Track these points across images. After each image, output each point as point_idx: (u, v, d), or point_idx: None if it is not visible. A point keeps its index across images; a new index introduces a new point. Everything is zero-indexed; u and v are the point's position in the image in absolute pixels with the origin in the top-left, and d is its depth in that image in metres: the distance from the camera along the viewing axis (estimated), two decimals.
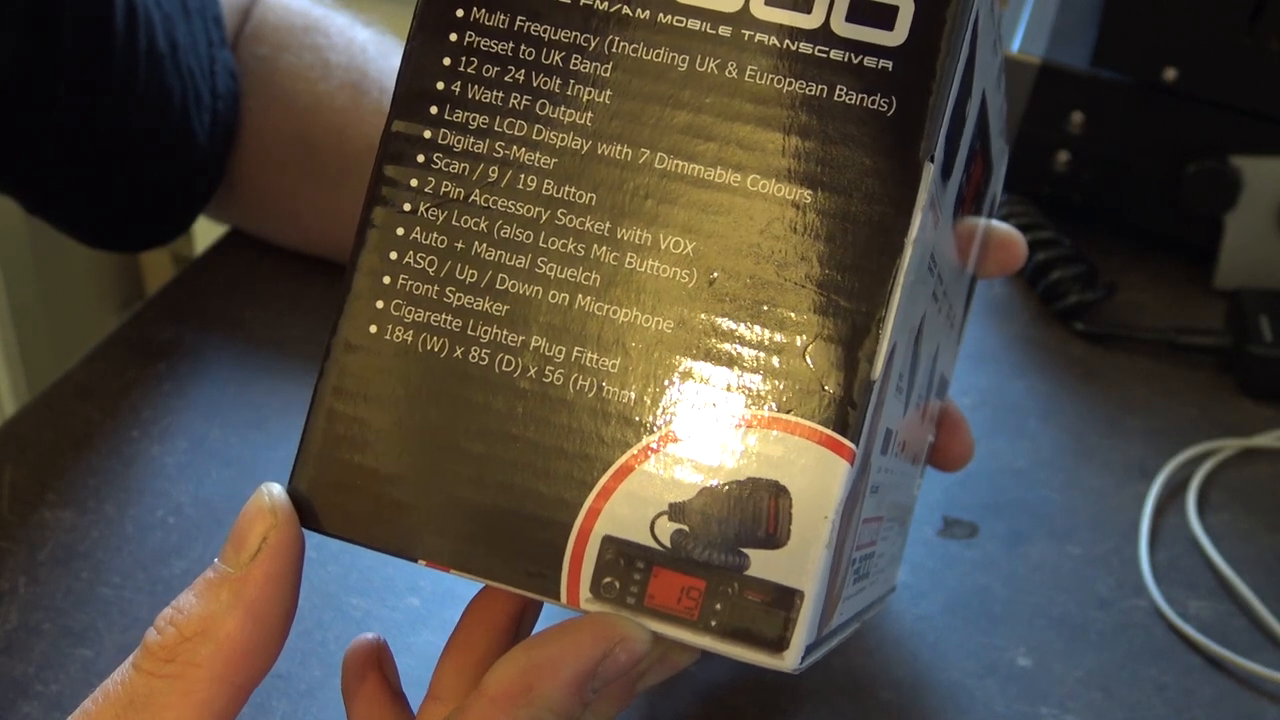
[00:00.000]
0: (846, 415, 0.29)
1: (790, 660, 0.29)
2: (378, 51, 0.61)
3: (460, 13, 0.31)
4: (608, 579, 0.29)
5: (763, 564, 0.29)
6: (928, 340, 0.36)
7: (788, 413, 0.29)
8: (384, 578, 0.49)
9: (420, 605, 0.48)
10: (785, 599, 0.29)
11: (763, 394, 0.29)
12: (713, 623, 0.29)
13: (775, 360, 0.29)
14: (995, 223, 0.46)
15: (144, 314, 0.61)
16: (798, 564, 0.29)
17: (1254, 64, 0.62)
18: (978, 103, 0.34)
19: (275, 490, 0.31)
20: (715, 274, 0.30)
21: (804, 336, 0.29)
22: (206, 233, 0.69)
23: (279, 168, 0.60)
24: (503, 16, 0.31)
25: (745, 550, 0.29)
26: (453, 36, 0.31)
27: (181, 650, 0.29)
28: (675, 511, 0.29)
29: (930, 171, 0.29)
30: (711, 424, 0.29)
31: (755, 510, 0.29)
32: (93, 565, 0.49)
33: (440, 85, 0.31)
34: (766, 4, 0.30)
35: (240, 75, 0.60)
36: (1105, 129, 0.67)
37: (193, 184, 0.59)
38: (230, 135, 0.59)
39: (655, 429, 0.30)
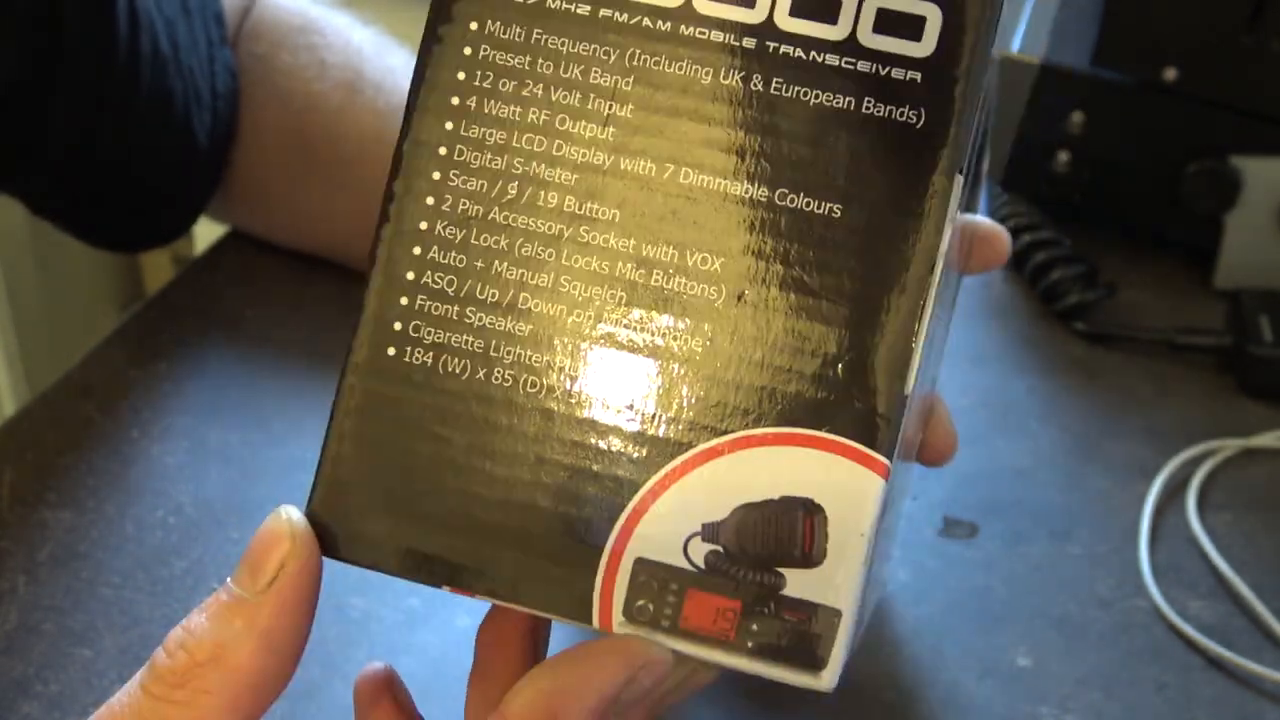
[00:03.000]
0: (879, 430, 0.28)
1: (829, 680, 0.29)
2: (373, 51, 0.61)
3: (474, 25, 0.30)
4: (641, 602, 0.29)
5: (799, 583, 0.28)
6: (930, 343, 0.36)
7: (820, 429, 0.29)
8: (384, 578, 0.48)
9: (420, 605, 0.48)
10: (823, 618, 0.28)
11: (795, 410, 0.29)
12: (749, 644, 0.29)
13: (807, 376, 0.29)
14: (979, 218, 0.46)
15: (144, 314, 0.61)
16: (835, 582, 0.28)
17: (1254, 64, 0.62)
18: (987, 106, 0.34)
19: (294, 514, 0.30)
20: (744, 290, 0.29)
21: (836, 352, 0.29)
22: (206, 233, 0.69)
23: (275, 166, 0.60)
24: (519, 29, 0.30)
25: (781, 569, 0.28)
26: (467, 50, 0.30)
27: (192, 676, 0.29)
28: (709, 532, 0.29)
29: (959, 184, 0.29)
30: (743, 442, 0.29)
31: (790, 529, 0.28)
32: (93, 565, 0.49)
33: (455, 100, 0.30)
34: (791, 15, 0.29)
35: (239, 74, 0.60)
36: (1105, 129, 0.67)
37: (194, 184, 0.59)
38: (229, 134, 0.59)
39: (686, 449, 0.29)
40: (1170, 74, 0.64)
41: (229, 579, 0.30)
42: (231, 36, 0.60)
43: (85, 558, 0.49)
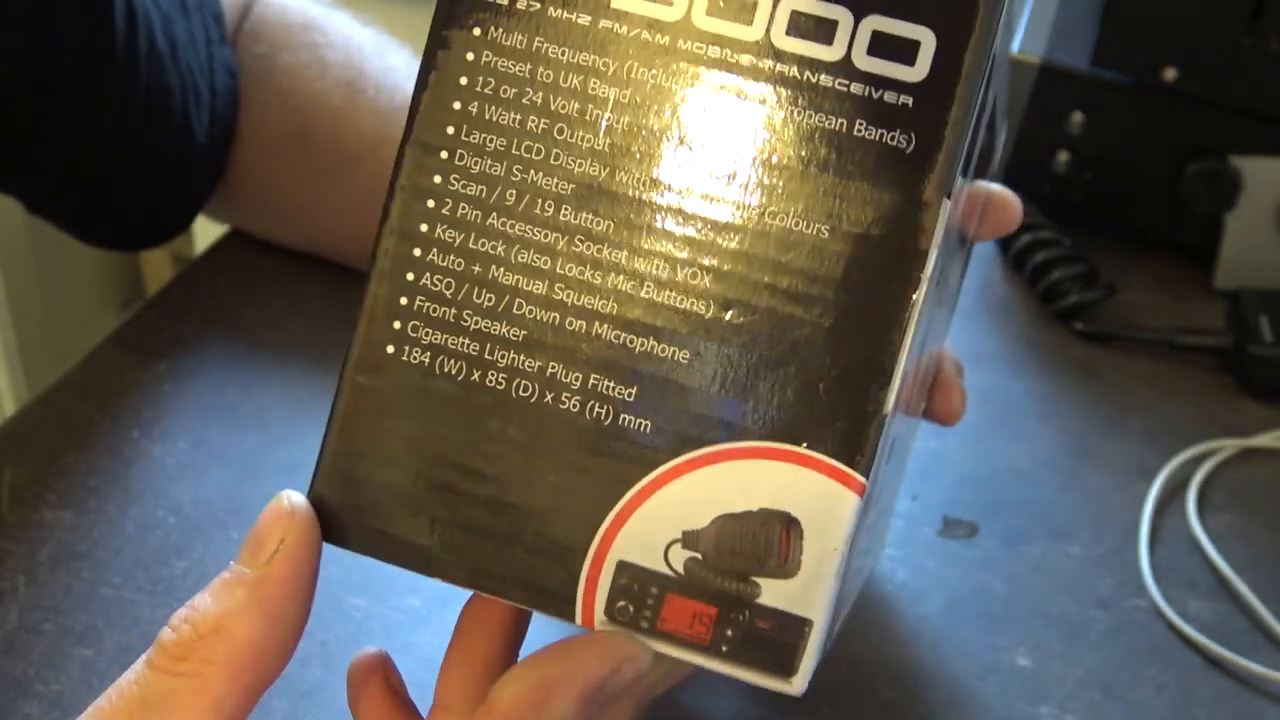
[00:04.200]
0: (857, 449, 0.29)
1: (799, 685, 0.30)
2: (374, 50, 0.61)
3: (477, 31, 0.30)
4: (622, 603, 0.30)
5: (774, 593, 0.29)
6: (921, 333, 0.36)
7: (800, 445, 0.29)
8: (384, 578, 0.49)
9: (420, 605, 0.48)
10: (795, 627, 0.29)
11: (777, 426, 0.29)
12: (724, 648, 0.30)
13: (789, 393, 0.29)
14: (990, 184, 0.46)
15: (144, 314, 0.61)
16: (808, 594, 0.29)
17: (1254, 64, 0.62)
18: (989, 111, 0.34)
19: (295, 496, 0.31)
20: (731, 306, 0.30)
21: (819, 370, 0.29)
22: (206, 233, 0.69)
23: (276, 165, 0.60)
24: (521, 37, 0.30)
25: (756, 579, 0.29)
26: (469, 56, 0.31)
27: (196, 648, 0.29)
28: (689, 539, 0.30)
29: (946, 208, 0.29)
30: (725, 455, 0.30)
31: (767, 541, 0.29)
32: (93, 565, 0.49)
33: (457, 105, 0.31)
34: (788, 34, 0.29)
35: (238, 73, 0.60)
36: (1105, 129, 0.67)
37: (192, 182, 0.59)
38: (229, 133, 0.59)
39: (670, 458, 0.30)
40: (1170, 74, 0.64)
41: (234, 560, 0.31)
42: (231, 36, 0.60)
43: (85, 558, 0.49)
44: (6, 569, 0.48)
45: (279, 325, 0.60)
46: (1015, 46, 0.68)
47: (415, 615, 0.48)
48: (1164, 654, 0.49)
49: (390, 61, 0.61)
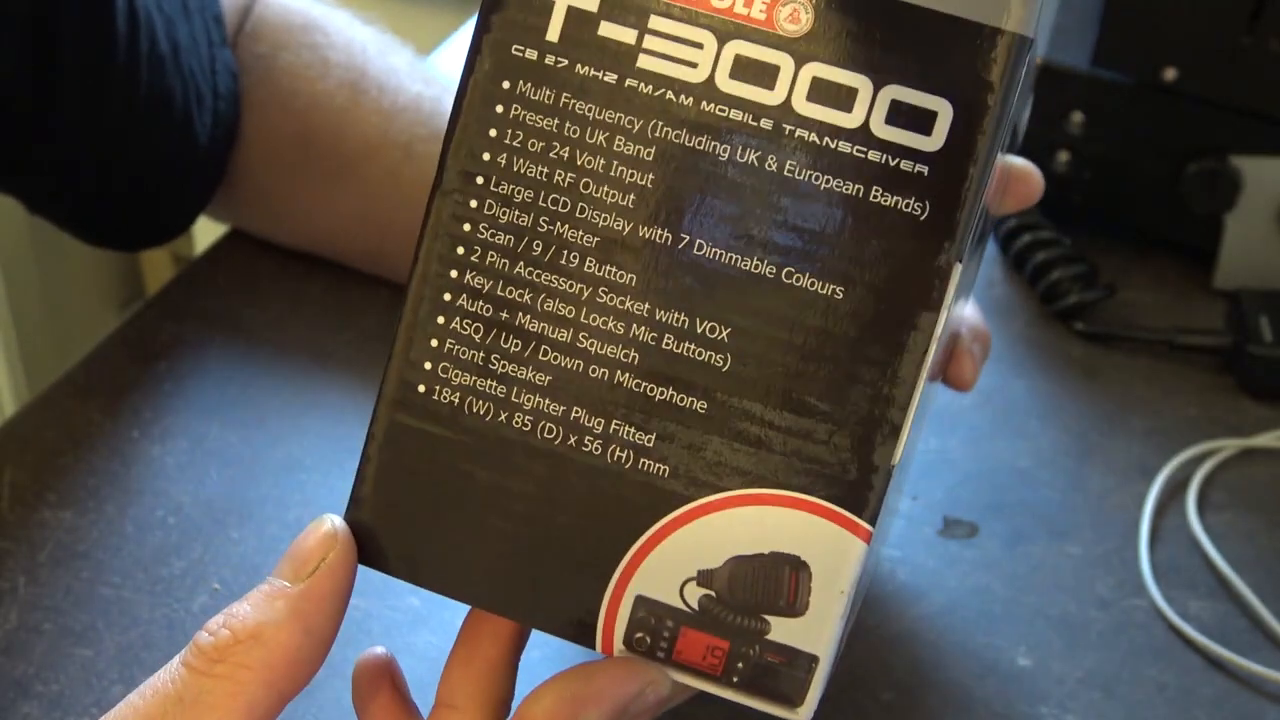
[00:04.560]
0: (864, 499, 0.31)
1: (805, 715, 0.31)
2: (377, 50, 0.61)
3: (507, 85, 0.31)
4: (639, 634, 0.32)
5: (782, 630, 0.31)
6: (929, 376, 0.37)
7: (810, 494, 0.31)
8: (385, 578, 0.48)
9: (421, 606, 0.48)
10: (802, 662, 0.31)
11: (788, 476, 0.31)
12: (735, 679, 0.31)
13: (800, 445, 0.31)
14: (1013, 158, 0.46)
15: (144, 314, 0.61)
16: (814, 632, 0.31)
17: (1254, 64, 0.62)
18: (1006, 138, 0.34)
19: (337, 519, 0.33)
20: (748, 360, 0.31)
21: (828, 425, 0.31)
22: (206, 233, 0.68)
23: (278, 166, 0.60)
24: (549, 92, 0.31)
25: (766, 616, 0.31)
26: (499, 109, 0.32)
27: (233, 652, 0.30)
28: (703, 578, 0.31)
29: (958, 271, 0.30)
30: (739, 500, 0.31)
31: (776, 581, 0.31)
32: (93, 565, 0.49)
33: (486, 156, 0.32)
34: (809, 100, 0.30)
35: (240, 74, 0.60)
36: (1105, 129, 0.67)
37: (194, 183, 0.59)
38: (231, 134, 0.59)
39: (687, 501, 0.31)
40: (1170, 74, 0.64)
41: (271, 574, 0.32)
42: (231, 37, 0.60)
43: (85, 558, 0.49)
44: (6, 569, 0.48)
45: (279, 325, 0.60)
46: None
47: (415, 615, 0.48)
48: (1164, 654, 0.49)
49: (393, 62, 0.61)
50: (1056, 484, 0.56)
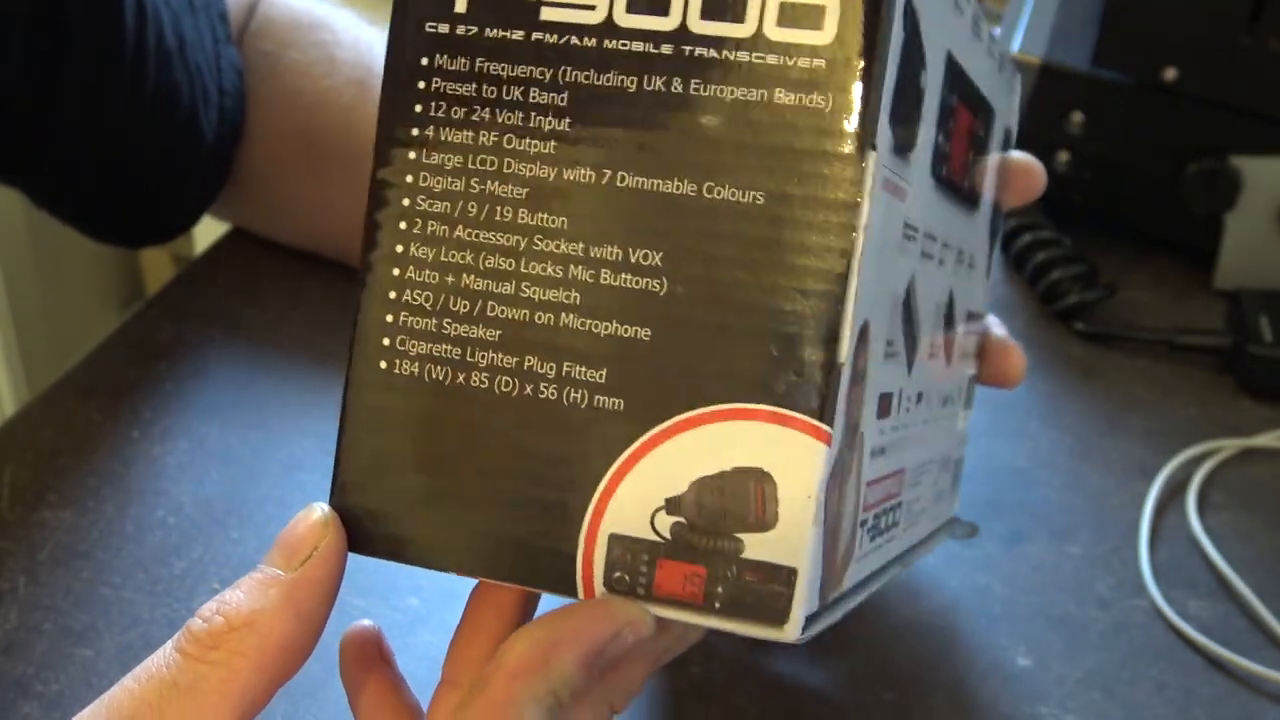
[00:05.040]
0: (818, 400, 0.31)
1: (791, 631, 0.31)
2: (383, 48, 0.61)
3: (425, 61, 0.33)
4: (618, 573, 0.31)
5: (756, 546, 0.31)
6: (927, 294, 0.37)
7: (763, 403, 0.31)
8: (384, 578, 0.49)
9: (420, 605, 0.48)
10: (781, 576, 0.31)
11: (739, 389, 0.31)
12: (717, 604, 0.31)
13: (748, 355, 0.31)
14: (1013, 153, 0.46)
15: (144, 314, 0.61)
16: (788, 543, 0.31)
17: (1254, 64, 0.62)
18: (940, 66, 0.35)
19: (325, 507, 0.33)
20: (683, 281, 0.31)
21: (773, 329, 0.31)
22: (206, 233, 0.69)
23: (283, 163, 0.60)
24: (464, 60, 0.32)
25: (739, 535, 0.31)
26: (420, 84, 0.33)
27: (227, 639, 0.31)
28: (671, 505, 0.31)
29: (874, 159, 0.30)
30: (696, 420, 0.31)
31: (743, 497, 0.31)
32: (93, 565, 0.49)
33: (415, 131, 0.33)
34: (703, 18, 0.31)
35: (245, 72, 0.60)
36: (1105, 129, 0.67)
37: (199, 180, 0.59)
38: (236, 132, 0.59)
39: (644, 431, 0.31)
40: (1170, 74, 0.64)
41: (261, 563, 0.32)
42: (237, 35, 0.61)
43: (85, 558, 0.49)
44: (6, 569, 0.48)
45: (279, 325, 0.60)
46: (1015, 47, 0.68)
47: (415, 615, 0.48)
48: (1164, 654, 0.49)
49: None
50: (1056, 484, 0.56)
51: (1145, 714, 0.46)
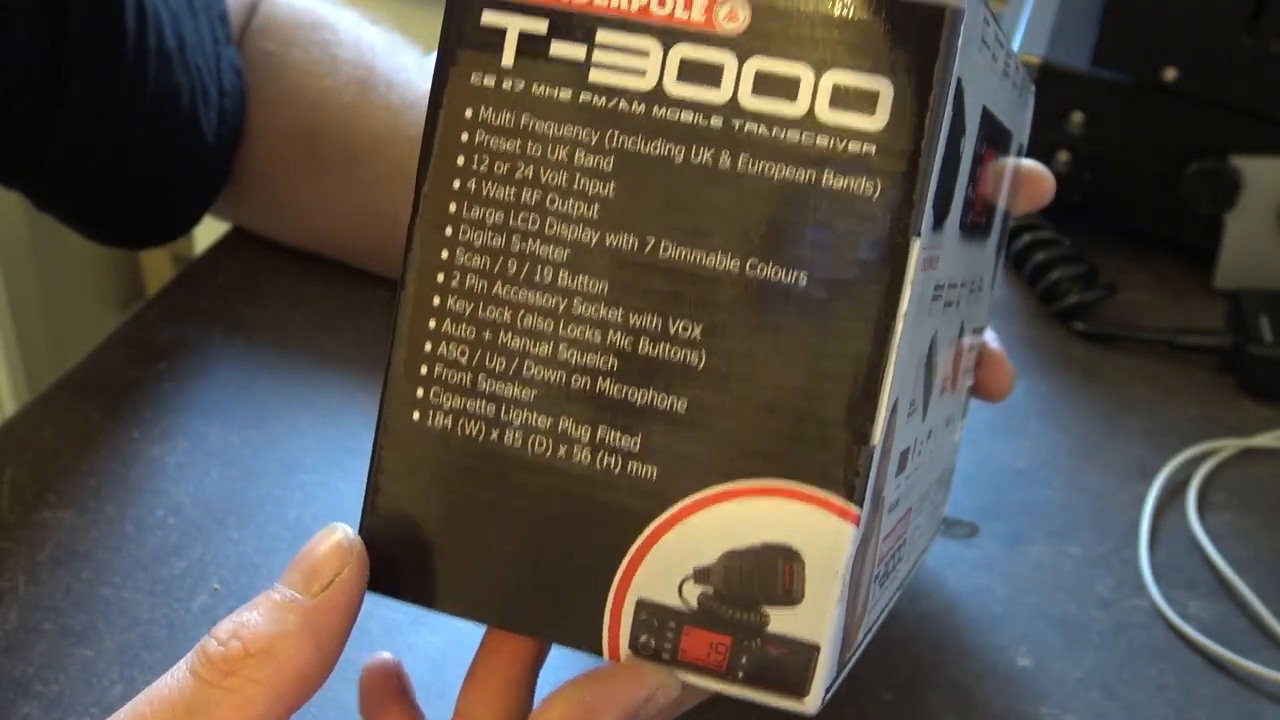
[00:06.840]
0: (850, 482, 0.31)
1: (812, 704, 0.31)
2: (385, 48, 0.61)
3: (469, 113, 0.32)
4: (644, 637, 0.32)
5: (781, 621, 0.31)
6: (944, 339, 0.37)
7: (796, 481, 0.31)
8: None
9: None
10: (804, 651, 0.31)
11: (773, 466, 0.31)
12: (740, 674, 0.32)
13: (783, 433, 0.31)
14: (1023, 160, 0.46)
15: (144, 314, 0.61)
16: (813, 620, 0.31)
17: (1254, 64, 0.62)
18: (976, 123, 0.35)
19: (350, 531, 0.32)
20: (721, 355, 0.31)
21: (808, 409, 0.31)
22: (206, 233, 0.69)
23: (284, 162, 0.60)
24: (509, 115, 0.32)
25: (765, 609, 0.31)
26: (464, 136, 0.32)
27: (244, 665, 0.30)
28: (700, 575, 0.32)
29: (917, 246, 0.30)
30: (729, 494, 0.31)
31: (771, 573, 0.31)
32: (93, 565, 0.49)
33: (457, 184, 0.32)
34: (754, 94, 0.31)
35: (246, 71, 0.60)
36: (1105, 129, 0.67)
37: (200, 181, 0.59)
38: (237, 132, 0.59)
39: (677, 500, 0.32)
40: (1170, 74, 0.64)
41: (279, 583, 0.32)
42: (237, 35, 0.61)
43: (85, 558, 0.49)
44: (6, 569, 0.48)
45: (279, 325, 0.60)
46: (1016, 47, 0.68)
47: (416, 616, 0.48)
48: (1164, 654, 0.49)
49: (401, 60, 0.61)
50: (1056, 484, 0.56)
51: (1145, 714, 0.46)
